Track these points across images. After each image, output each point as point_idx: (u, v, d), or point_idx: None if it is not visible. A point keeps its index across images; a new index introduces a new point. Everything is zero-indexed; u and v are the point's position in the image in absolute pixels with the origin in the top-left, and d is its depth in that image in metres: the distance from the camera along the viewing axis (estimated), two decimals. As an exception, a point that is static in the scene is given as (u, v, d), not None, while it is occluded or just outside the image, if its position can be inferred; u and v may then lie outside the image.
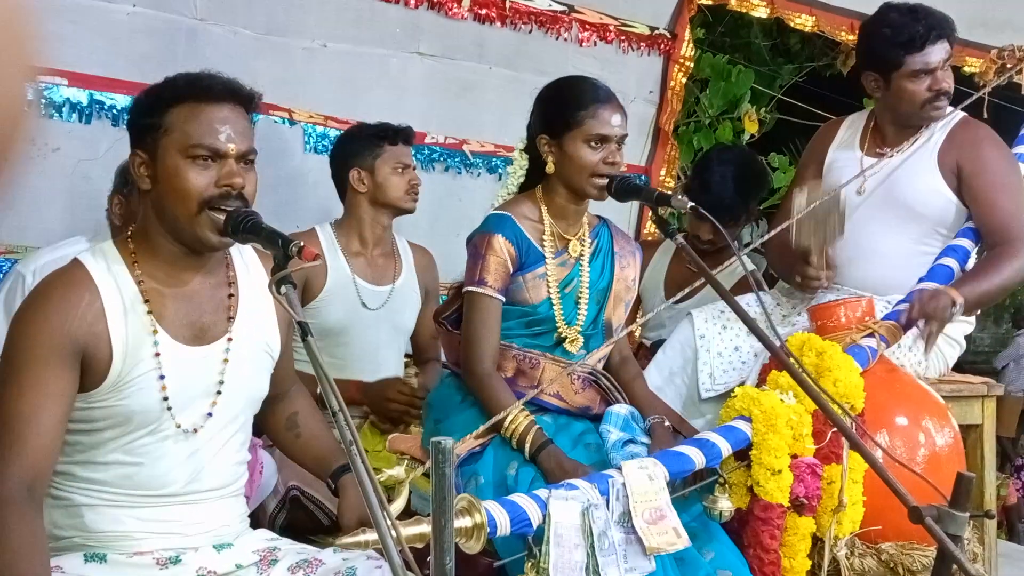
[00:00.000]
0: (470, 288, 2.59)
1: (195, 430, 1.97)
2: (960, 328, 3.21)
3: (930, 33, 3.10)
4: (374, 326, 3.26)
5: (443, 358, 2.93)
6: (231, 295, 2.04)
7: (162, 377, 1.91)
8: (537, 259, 2.63)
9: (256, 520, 2.40)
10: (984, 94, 3.42)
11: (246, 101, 1.99)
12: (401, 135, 3.30)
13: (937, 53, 3.11)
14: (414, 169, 3.34)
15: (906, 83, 3.14)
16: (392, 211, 3.29)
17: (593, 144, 2.57)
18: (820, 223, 3.06)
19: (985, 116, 3.38)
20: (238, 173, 1.91)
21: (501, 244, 2.58)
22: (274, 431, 2.31)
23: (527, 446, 2.43)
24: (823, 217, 3.05)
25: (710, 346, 3.13)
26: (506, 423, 2.44)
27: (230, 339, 2.01)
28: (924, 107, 3.15)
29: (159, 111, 1.93)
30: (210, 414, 1.98)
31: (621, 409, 2.59)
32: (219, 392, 1.99)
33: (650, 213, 4.28)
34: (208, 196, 1.89)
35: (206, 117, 1.91)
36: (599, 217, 2.82)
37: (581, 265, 2.68)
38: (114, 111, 3.38)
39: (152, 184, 1.94)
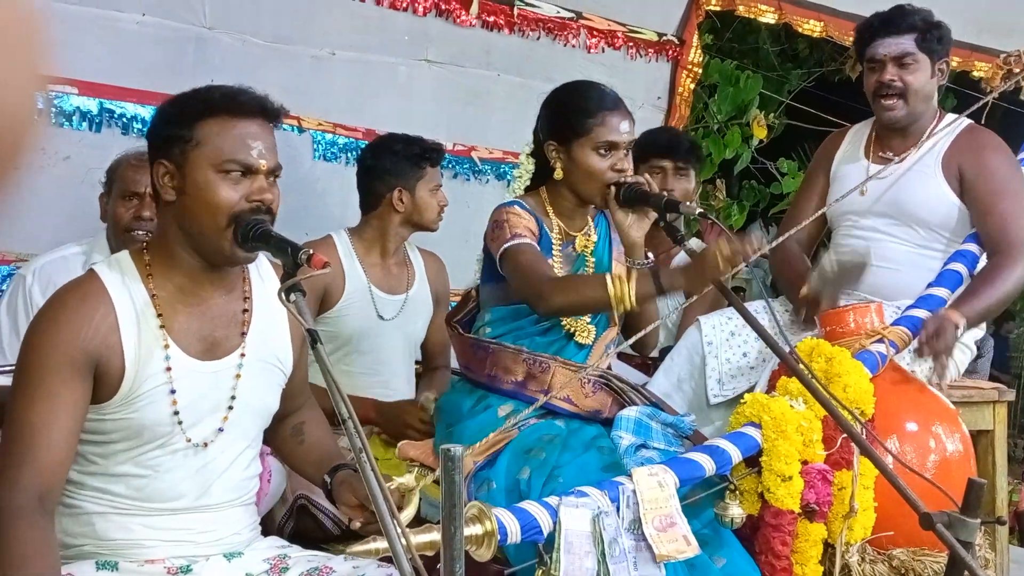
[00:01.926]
0: (506, 245, 2.53)
1: (205, 444, 1.96)
2: (971, 334, 3.19)
3: (882, 26, 3.11)
4: (388, 335, 3.24)
5: (453, 364, 2.92)
6: (245, 310, 2.03)
7: (173, 391, 1.91)
8: (546, 248, 2.63)
9: (264, 528, 2.38)
10: (991, 99, 3.40)
11: (273, 116, 1.99)
12: (440, 156, 3.29)
13: (886, 47, 3.12)
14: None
15: (866, 74, 3.20)
16: (419, 229, 3.29)
17: (602, 152, 2.57)
18: (841, 279, 3.02)
19: (983, 121, 3.37)
20: (268, 189, 1.92)
21: (521, 211, 2.61)
22: (278, 440, 2.28)
23: (633, 296, 2.36)
24: (844, 275, 3.02)
25: (718, 352, 3.12)
26: (610, 292, 2.36)
27: (243, 354, 2.00)
28: (875, 100, 3.16)
29: (189, 123, 1.91)
30: (221, 429, 1.98)
31: (631, 412, 2.58)
32: (230, 407, 1.99)
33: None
34: (238, 211, 1.89)
35: (239, 132, 1.91)
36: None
37: (586, 257, 2.69)
38: (124, 119, 3.40)
39: (177, 195, 1.92)
